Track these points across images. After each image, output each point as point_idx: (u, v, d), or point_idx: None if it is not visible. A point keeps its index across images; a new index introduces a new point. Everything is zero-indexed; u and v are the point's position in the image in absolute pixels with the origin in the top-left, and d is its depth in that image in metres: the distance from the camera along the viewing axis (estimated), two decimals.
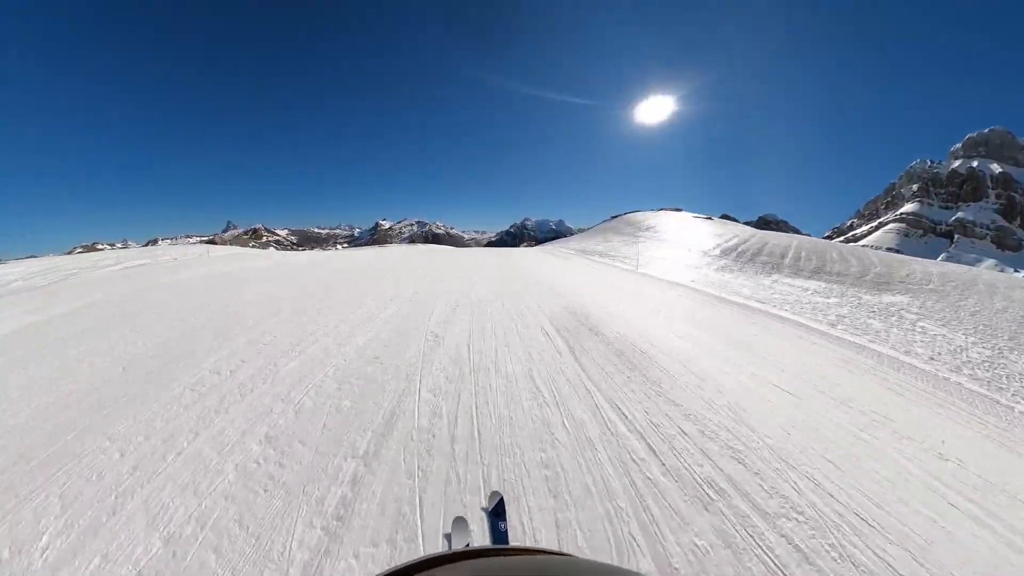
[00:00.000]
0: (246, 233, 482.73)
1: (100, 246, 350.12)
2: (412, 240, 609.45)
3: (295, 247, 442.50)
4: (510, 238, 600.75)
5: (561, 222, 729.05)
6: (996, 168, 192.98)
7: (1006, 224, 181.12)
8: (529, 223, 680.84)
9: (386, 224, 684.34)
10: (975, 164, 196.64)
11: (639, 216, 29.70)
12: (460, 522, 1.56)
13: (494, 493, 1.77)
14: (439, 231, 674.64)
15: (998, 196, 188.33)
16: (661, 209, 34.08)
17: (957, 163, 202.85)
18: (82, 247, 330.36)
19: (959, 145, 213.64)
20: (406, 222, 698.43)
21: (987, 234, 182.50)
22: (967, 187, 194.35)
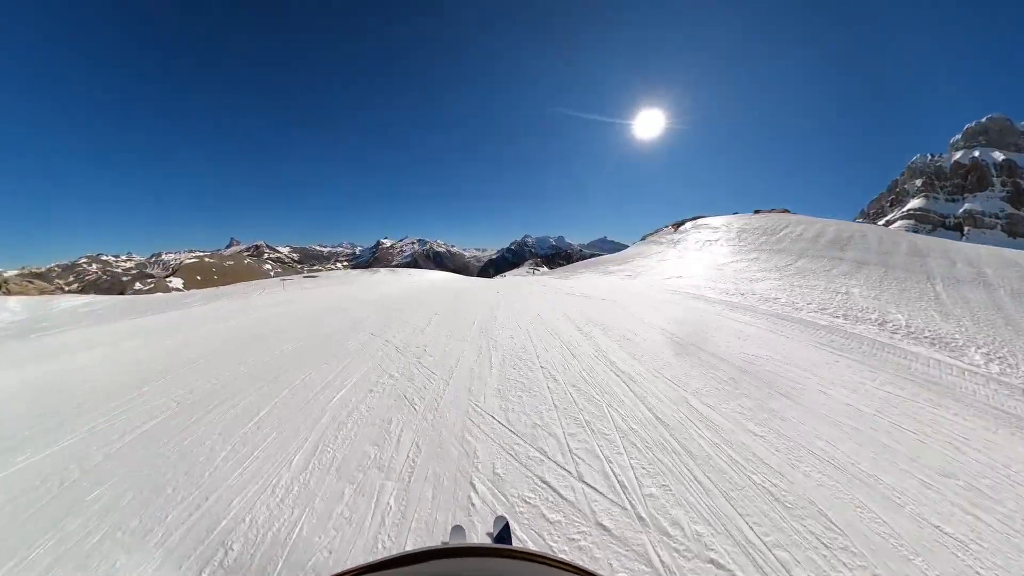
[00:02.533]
0: (247, 250, 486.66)
1: (104, 257, 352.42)
2: (414, 259, 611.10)
3: (296, 264, 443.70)
4: (511, 255, 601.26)
5: (561, 239, 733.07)
6: (999, 156, 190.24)
7: (1015, 211, 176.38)
8: (529, 240, 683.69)
9: (387, 243, 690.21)
10: (977, 154, 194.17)
11: (734, 220, 20.59)
12: (458, 531, 1.45)
13: (499, 518, 1.63)
14: (440, 249, 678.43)
15: (1004, 184, 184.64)
16: (757, 211, 26.33)
17: (959, 154, 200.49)
18: (87, 258, 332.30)
19: (959, 136, 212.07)
20: (407, 240, 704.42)
21: (997, 223, 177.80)
22: (972, 177, 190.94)
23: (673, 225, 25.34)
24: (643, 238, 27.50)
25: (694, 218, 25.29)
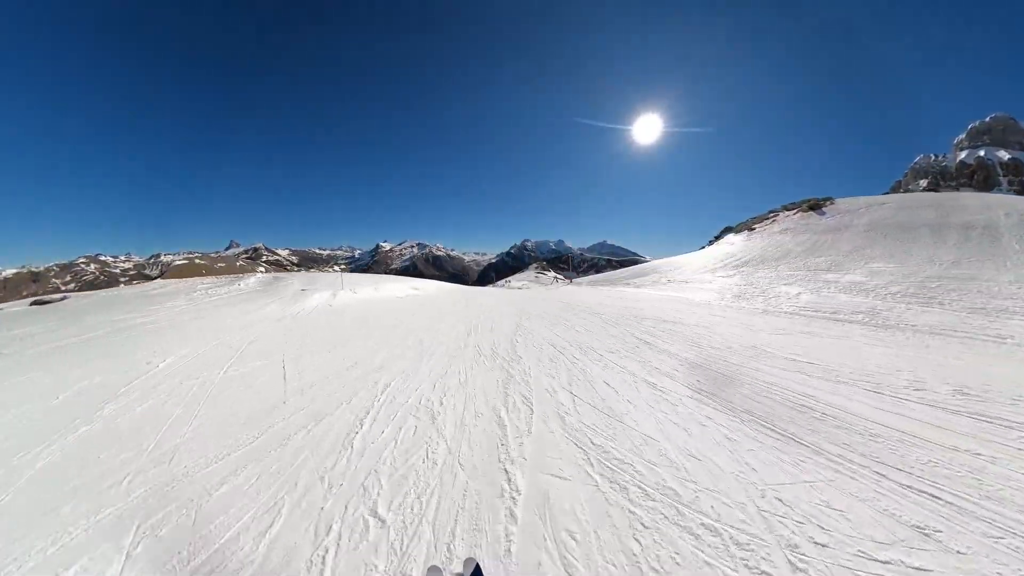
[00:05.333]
0: (245, 252, 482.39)
1: (103, 257, 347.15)
2: (413, 263, 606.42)
3: (295, 267, 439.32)
4: (511, 259, 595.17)
5: (561, 242, 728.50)
6: (1004, 155, 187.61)
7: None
8: (529, 244, 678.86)
9: (387, 246, 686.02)
10: (982, 153, 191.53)
11: (941, 201, 15.04)
12: (434, 571, 1.44)
13: (469, 560, 1.59)
14: (440, 253, 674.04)
15: (1010, 183, 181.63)
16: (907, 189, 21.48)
17: (963, 154, 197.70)
18: (85, 258, 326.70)
19: (963, 136, 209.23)
20: (407, 244, 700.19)
21: None
22: (977, 177, 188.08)
23: (805, 207, 18.87)
24: (727, 229, 21.16)
25: (825, 199, 19.18)
